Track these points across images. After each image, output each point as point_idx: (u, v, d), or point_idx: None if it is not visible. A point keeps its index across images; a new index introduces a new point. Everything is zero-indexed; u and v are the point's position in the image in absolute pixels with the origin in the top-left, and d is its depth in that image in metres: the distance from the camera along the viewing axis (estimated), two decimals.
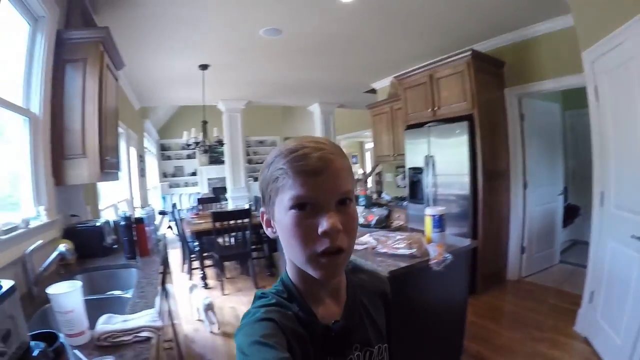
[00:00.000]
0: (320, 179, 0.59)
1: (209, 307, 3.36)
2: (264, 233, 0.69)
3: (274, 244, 4.77)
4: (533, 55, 3.75)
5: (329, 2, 3.01)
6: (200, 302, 3.43)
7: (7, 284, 0.89)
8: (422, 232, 2.46)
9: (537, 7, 3.24)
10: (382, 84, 5.93)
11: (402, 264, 2.03)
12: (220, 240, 4.46)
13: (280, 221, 0.63)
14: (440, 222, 2.32)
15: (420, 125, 4.22)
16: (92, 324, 1.25)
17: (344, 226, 0.60)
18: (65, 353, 0.93)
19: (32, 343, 0.83)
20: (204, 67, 4.60)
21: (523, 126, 3.98)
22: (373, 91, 6.33)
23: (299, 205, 0.60)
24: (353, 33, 3.74)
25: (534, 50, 3.74)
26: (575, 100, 4.43)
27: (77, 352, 1.11)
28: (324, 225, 0.58)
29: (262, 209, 0.71)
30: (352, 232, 0.63)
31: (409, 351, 2.00)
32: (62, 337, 0.96)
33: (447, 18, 3.46)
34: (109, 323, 1.27)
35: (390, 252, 2.22)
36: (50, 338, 0.96)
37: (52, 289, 1.19)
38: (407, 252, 2.16)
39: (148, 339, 1.19)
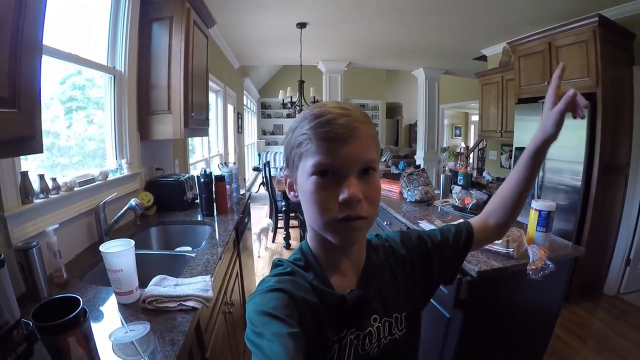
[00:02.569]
0: (344, 147, 0.58)
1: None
2: None
3: None
4: None
5: None
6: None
7: None
8: (524, 226, 2.11)
9: None
10: (494, 51, 5.28)
11: (496, 264, 1.74)
12: None
13: (302, 186, 0.62)
14: (547, 220, 1.95)
15: (533, 100, 3.68)
16: (150, 280, 1.27)
17: (365, 195, 0.59)
18: (82, 324, 0.91)
19: (24, 321, 0.80)
20: (301, 25, 4.46)
21: None
22: (483, 58, 5.68)
23: (321, 172, 0.59)
24: None
25: None
26: None
27: (119, 311, 1.13)
28: (344, 193, 0.57)
29: (285, 173, 0.69)
30: (374, 202, 0.62)
31: (482, 358, 1.82)
32: (81, 303, 0.94)
33: None
34: (160, 285, 1.26)
35: (485, 246, 1.94)
36: (73, 303, 0.94)
37: (104, 247, 1.20)
38: (503, 249, 1.84)
39: (194, 309, 1.15)
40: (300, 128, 0.61)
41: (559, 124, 0.76)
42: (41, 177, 1.38)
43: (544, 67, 3.55)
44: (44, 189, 1.38)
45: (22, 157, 1.33)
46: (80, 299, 0.98)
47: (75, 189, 1.59)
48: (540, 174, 3.55)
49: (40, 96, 1.00)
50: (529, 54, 3.75)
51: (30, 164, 1.48)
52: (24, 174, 1.28)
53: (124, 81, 2.12)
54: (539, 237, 1.94)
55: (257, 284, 0.67)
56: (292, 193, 0.68)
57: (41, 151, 1.02)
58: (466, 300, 1.73)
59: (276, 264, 0.72)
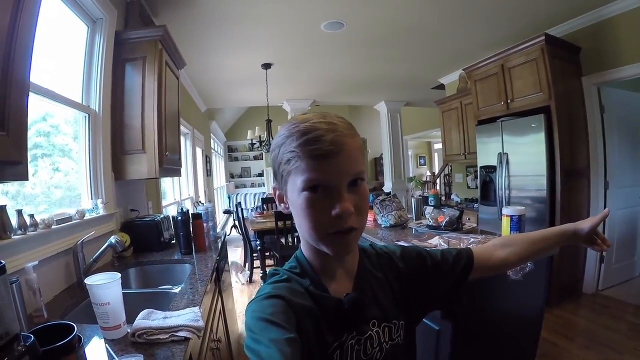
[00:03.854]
0: (333, 162, 0.59)
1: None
2: None
3: None
4: (611, 38, 3.33)
5: None
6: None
7: None
8: (497, 235, 2.20)
9: None
10: (451, 79, 5.62)
11: None
12: (282, 239, 4.44)
13: (294, 201, 0.64)
14: (519, 224, 2.05)
15: (492, 120, 3.91)
16: (135, 317, 1.22)
17: (356, 206, 0.61)
18: (77, 350, 0.87)
19: (23, 334, 0.77)
20: (266, 65, 4.62)
21: (603, 119, 3.53)
22: (441, 87, 6.02)
23: (311, 187, 0.60)
24: (418, 22, 3.54)
25: (611, 32, 3.32)
26: None
27: (107, 346, 1.08)
28: (337, 209, 0.59)
29: (274, 185, 0.71)
30: (364, 211, 0.64)
31: None
32: (75, 330, 0.91)
33: (518, 1, 3.16)
34: (148, 319, 1.22)
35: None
36: (66, 330, 0.90)
37: (90, 280, 1.16)
38: None
39: (186, 339, 1.11)
40: (287, 145, 0.61)
41: (592, 228, 0.91)
42: (19, 212, 1.33)
43: (499, 87, 3.79)
44: (22, 225, 1.33)
45: None
46: (75, 326, 0.95)
47: (53, 226, 1.54)
48: (507, 190, 3.72)
49: (27, 124, 1.00)
50: (484, 77, 4.00)
51: None
52: (2, 208, 1.24)
53: (99, 120, 2.11)
54: None
55: (237, 324, 0.67)
56: (282, 205, 0.70)
57: (27, 178, 1.02)
58: (454, 310, 1.76)
59: (272, 273, 0.72)
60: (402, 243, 2.32)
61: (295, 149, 0.59)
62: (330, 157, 0.58)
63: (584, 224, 0.88)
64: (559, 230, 0.89)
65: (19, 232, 1.33)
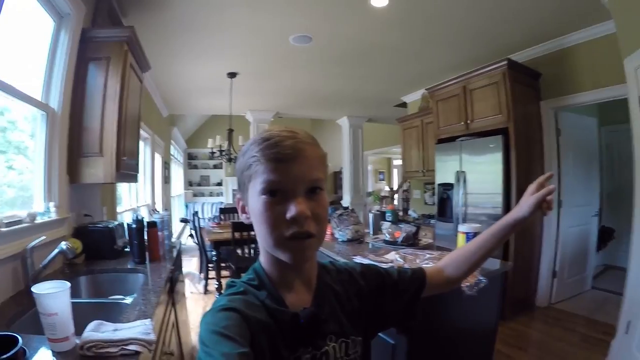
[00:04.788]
0: (291, 166, 0.61)
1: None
2: None
3: None
4: (570, 66, 3.57)
5: (360, 8, 2.94)
6: None
7: None
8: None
9: (576, 14, 3.08)
10: (413, 97, 5.81)
11: None
12: (238, 251, 4.37)
13: (252, 206, 0.65)
14: None
15: (452, 139, 4.07)
16: (84, 328, 1.16)
17: (313, 213, 0.62)
18: None
19: None
20: (232, 75, 4.60)
21: (559, 142, 3.77)
22: (404, 105, 6.21)
23: (269, 191, 0.61)
24: (384, 41, 3.66)
25: (571, 60, 3.56)
26: (612, 116, 4.24)
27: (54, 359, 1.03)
28: (292, 211, 0.60)
29: (238, 196, 0.71)
30: (322, 219, 0.65)
31: None
32: (20, 342, 0.86)
33: (482, 27, 3.34)
34: (97, 331, 1.16)
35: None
36: (10, 342, 0.86)
37: (37, 288, 1.10)
38: None
39: (137, 353, 1.07)
40: (249, 151, 0.64)
41: (533, 209, 0.85)
42: None
43: (460, 108, 3.95)
44: None
45: None
46: (20, 338, 0.90)
47: (2, 229, 1.45)
48: (463, 207, 3.87)
49: None
50: (446, 97, 4.16)
51: None
52: None
53: (57, 120, 2.01)
54: None
55: (191, 336, 0.66)
56: (244, 215, 0.70)
57: None
58: (409, 326, 1.80)
59: (229, 284, 0.72)
60: (358, 258, 2.35)
61: (256, 154, 0.62)
62: (288, 161, 0.61)
63: (522, 210, 0.86)
64: (498, 228, 0.89)
65: None
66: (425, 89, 4.71)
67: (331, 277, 0.78)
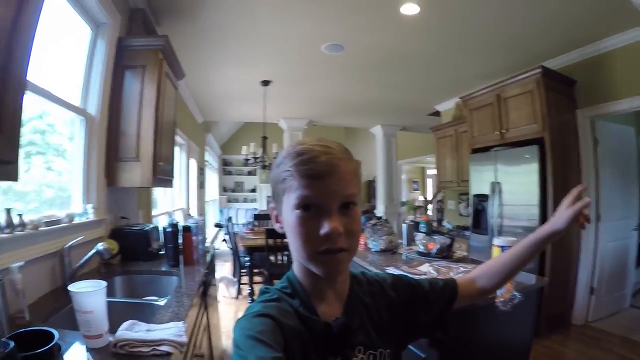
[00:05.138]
0: (325, 182, 0.61)
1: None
2: None
3: None
4: (606, 72, 3.41)
5: (391, 16, 2.92)
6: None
7: None
8: None
9: (610, 18, 2.94)
10: (447, 106, 5.70)
11: None
12: (272, 257, 4.40)
13: (287, 219, 0.66)
14: None
15: (486, 149, 3.96)
16: (118, 327, 1.20)
17: (346, 228, 0.62)
18: (56, 358, 0.85)
19: (3, 340, 0.75)
20: (265, 82, 4.66)
21: (597, 152, 3.60)
22: (437, 114, 6.10)
23: (303, 206, 0.62)
24: (416, 49, 3.62)
25: (607, 67, 3.40)
26: None
27: (88, 355, 1.07)
28: (325, 228, 0.61)
29: (272, 205, 0.73)
30: (355, 234, 0.66)
31: None
32: (56, 338, 0.89)
33: (515, 34, 3.25)
34: (131, 330, 1.19)
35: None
36: (46, 337, 0.89)
37: (74, 287, 1.14)
38: None
39: (168, 354, 1.09)
40: (284, 164, 0.64)
41: (569, 222, 0.82)
42: (8, 210, 1.32)
43: (494, 117, 3.84)
44: (9, 224, 1.31)
45: None
46: (56, 333, 0.93)
47: (41, 228, 1.52)
48: (498, 219, 3.74)
49: (21, 124, 1.00)
50: (480, 106, 4.06)
51: None
52: None
53: (95, 125, 2.11)
54: None
55: (222, 339, 0.67)
56: (277, 225, 0.71)
57: (16, 179, 1.01)
58: (440, 338, 1.74)
59: (263, 291, 0.73)
60: (391, 268, 2.30)
61: (290, 169, 0.62)
62: (322, 177, 0.61)
63: (558, 223, 0.84)
64: (533, 240, 0.86)
65: (6, 230, 1.31)
66: (459, 98, 4.62)
67: (362, 289, 0.78)
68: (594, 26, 3.11)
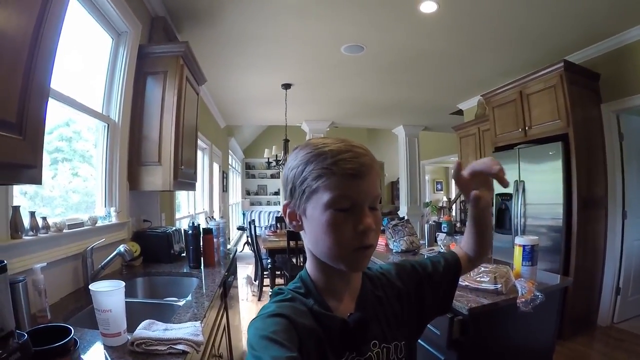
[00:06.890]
0: (363, 182, 0.63)
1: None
2: None
3: None
4: (631, 65, 3.28)
5: (410, 15, 2.90)
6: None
7: None
8: (509, 265, 2.14)
9: (633, 8, 2.82)
10: (469, 105, 5.61)
11: (485, 301, 1.74)
12: (293, 259, 4.42)
13: (315, 218, 0.65)
14: (531, 254, 1.99)
15: (509, 147, 3.87)
16: (137, 327, 1.23)
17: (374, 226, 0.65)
18: (72, 353, 0.88)
19: (18, 332, 0.78)
20: (286, 86, 4.70)
21: (622, 147, 3.46)
22: (460, 112, 6.00)
23: (340, 204, 0.62)
24: (436, 47, 3.58)
25: (631, 59, 3.27)
26: None
27: (105, 352, 1.09)
28: (364, 223, 0.62)
29: (285, 202, 0.71)
30: (379, 232, 0.67)
31: None
32: (72, 333, 0.91)
33: (535, 28, 3.18)
34: (148, 329, 1.22)
35: (473, 286, 1.94)
36: (63, 333, 0.91)
37: (94, 286, 1.17)
38: (491, 286, 1.86)
39: (184, 352, 1.11)
40: (320, 161, 0.63)
41: (469, 189, 0.85)
42: (32, 214, 1.37)
43: (517, 114, 3.76)
44: (34, 227, 1.36)
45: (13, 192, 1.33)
46: (72, 329, 0.96)
47: (64, 230, 1.58)
48: (522, 219, 3.65)
49: (44, 130, 1.03)
50: (502, 103, 3.97)
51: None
52: (16, 209, 1.28)
53: (117, 130, 2.17)
54: (526, 272, 1.97)
55: (242, 341, 0.67)
56: (293, 223, 0.70)
57: (40, 182, 1.04)
58: (459, 339, 1.70)
59: (276, 292, 0.73)
60: None
61: (329, 166, 0.62)
62: (361, 177, 0.62)
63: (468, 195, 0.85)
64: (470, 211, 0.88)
65: (31, 233, 1.36)
66: (481, 95, 4.53)
67: (372, 284, 0.78)
68: (616, 18, 3.00)
